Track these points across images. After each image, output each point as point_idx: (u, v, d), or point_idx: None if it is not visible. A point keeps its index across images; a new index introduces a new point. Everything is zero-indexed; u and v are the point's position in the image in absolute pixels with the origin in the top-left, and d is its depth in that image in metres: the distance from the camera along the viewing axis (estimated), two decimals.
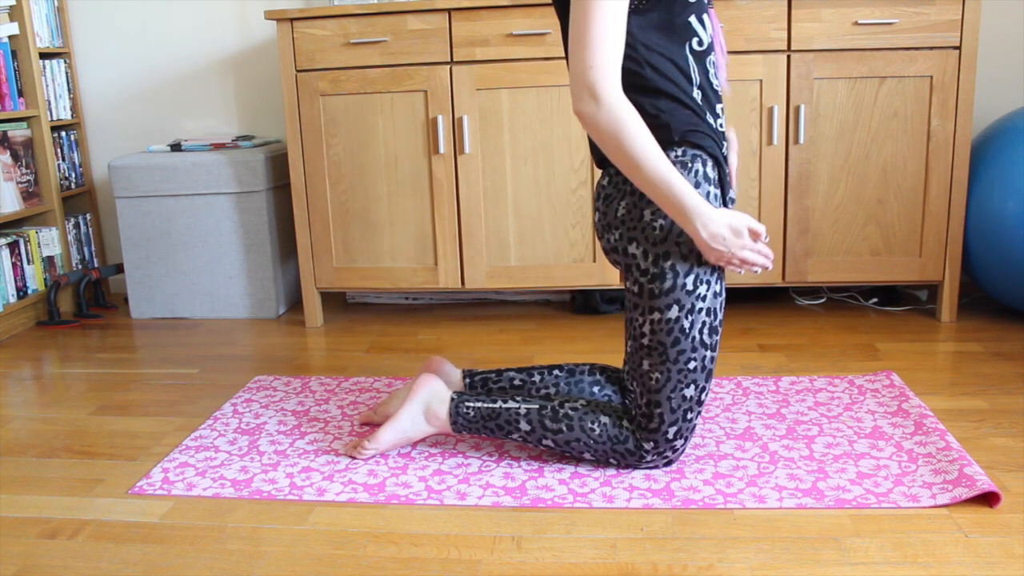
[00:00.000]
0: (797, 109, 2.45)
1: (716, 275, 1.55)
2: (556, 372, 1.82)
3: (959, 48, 2.39)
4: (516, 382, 1.84)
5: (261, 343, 2.63)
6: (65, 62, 3.13)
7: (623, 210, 1.55)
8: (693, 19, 1.49)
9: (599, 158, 1.61)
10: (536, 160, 2.57)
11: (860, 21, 2.39)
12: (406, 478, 1.68)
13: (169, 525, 1.55)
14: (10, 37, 2.87)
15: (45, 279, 2.97)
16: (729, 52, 2.43)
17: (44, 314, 2.97)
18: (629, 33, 1.46)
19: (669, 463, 1.67)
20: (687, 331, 1.53)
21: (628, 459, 1.65)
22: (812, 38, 2.41)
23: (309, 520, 1.55)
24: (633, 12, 1.45)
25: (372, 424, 1.95)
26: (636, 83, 1.48)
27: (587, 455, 1.67)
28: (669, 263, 1.51)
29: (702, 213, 1.43)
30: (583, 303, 2.79)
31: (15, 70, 2.89)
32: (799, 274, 2.57)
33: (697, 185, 1.50)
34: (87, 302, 3.13)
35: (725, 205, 1.58)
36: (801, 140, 2.46)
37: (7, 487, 1.74)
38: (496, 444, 1.82)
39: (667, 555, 1.39)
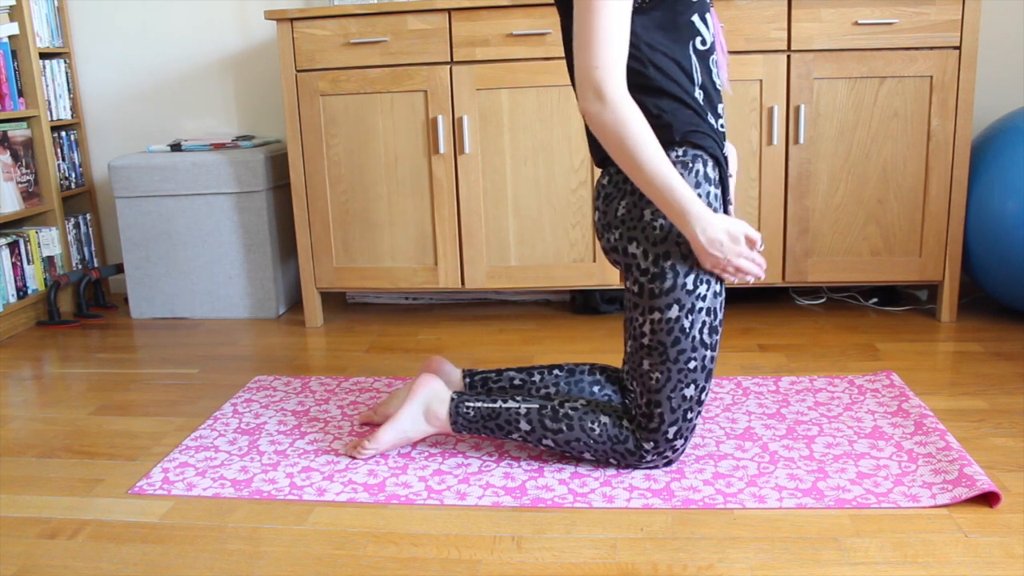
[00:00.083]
0: (797, 109, 2.45)
1: (716, 275, 1.55)
2: (556, 372, 1.82)
3: (959, 48, 2.39)
4: (516, 382, 1.83)
5: (261, 343, 2.63)
6: (65, 62, 3.13)
7: (623, 209, 1.55)
8: (696, 18, 1.49)
9: (598, 157, 1.61)
10: (536, 160, 2.57)
11: (860, 21, 2.39)
12: (406, 478, 1.68)
13: (169, 525, 1.55)
14: (10, 37, 2.87)
15: (45, 279, 2.97)
16: (729, 52, 2.43)
17: (44, 314, 2.97)
18: (633, 33, 1.46)
19: (669, 463, 1.67)
20: (687, 331, 1.53)
21: (628, 459, 1.65)
22: (812, 38, 2.41)
23: (309, 520, 1.55)
24: (636, 11, 1.45)
25: (372, 424, 1.95)
26: (639, 83, 1.48)
27: (587, 455, 1.66)
28: (669, 263, 1.51)
29: (701, 217, 1.44)
30: (583, 303, 2.79)
31: (15, 70, 2.89)
32: (799, 274, 2.57)
33: (698, 185, 1.50)
34: (87, 302, 3.13)
35: (726, 205, 1.59)
36: (801, 140, 2.46)
37: (7, 487, 1.74)
38: (496, 444, 1.82)
39: (667, 555, 1.39)
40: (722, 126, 1.57)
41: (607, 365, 1.84)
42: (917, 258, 2.52)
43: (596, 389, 1.79)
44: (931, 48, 2.40)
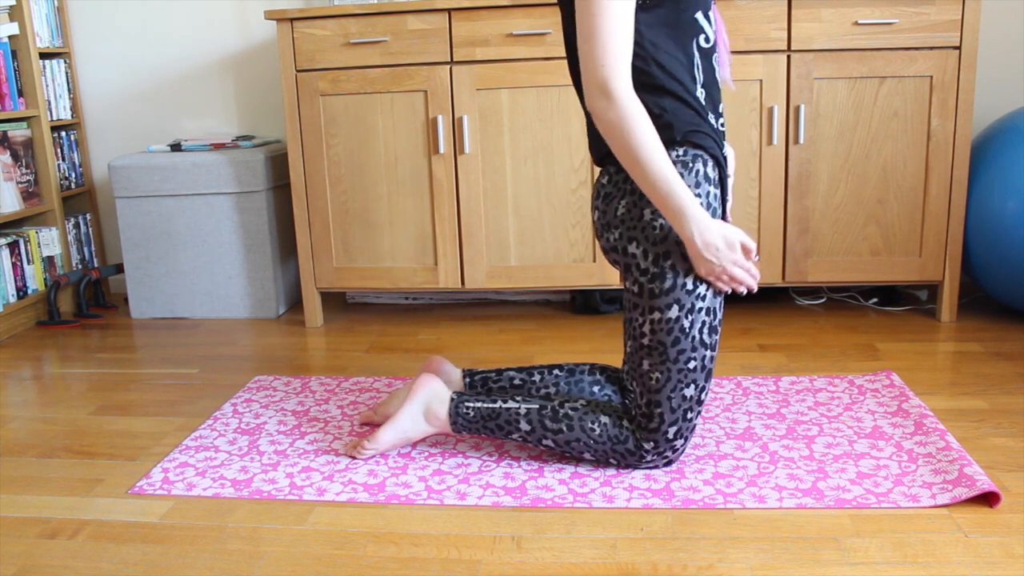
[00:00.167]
0: (797, 109, 2.45)
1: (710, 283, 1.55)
2: (556, 372, 1.82)
3: (959, 48, 2.39)
4: (516, 382, 1.83)
5: (261, 343, 2.63)
6: (65, 62, 3.13)
7: (623, 209, 1.55)
8: (699, 16, 1.49)
9: (598, 156, 1.61)
10: (536, 160, 2.57)
11: (860, 21, 2.39)
12: (406, 478, 1.68)
13: (169, 525, 1.55)
14: (10, 37, 2.87)
15: (45, 279, 2.97)
16: (730, 51, 2.43)
17: (44, 314, 2.97)
18: (636, 31, 1.46)
19: (669, 463, 1.67)
20: (687, 330, 1.53)
21: (628, 459, 1.65)
22: (812, 38, 2.41)
23: (309, 520, 1.55)
24: (640, 9, 1.45)
25: (372, 424, 1.95)
26: (643, 81, 1.48)
27: (587, 455, 1.66)
28: (669, 263, 1.51)
29: (699, 220, 1.44)
30: (583, 303, 2.79)
31: (15, 70, 2.89)
32: (799, 274, 2.57)
33: (697, 185, 1.50)
34: (87, 302, 3.13)
35: (724, 205, 1.59)
36: (801, 140, 2.46)
37: (7, 487, 1.74)
38: (496, 444, 1.82)
39: (667, 555, 1.39)
40: (722, 125, 1.57)
41: (607, 365, 1.84)
42: (917, 258, 2.52)
43: (596, 389, 1.79)
44: (931, 48, 2.40)
